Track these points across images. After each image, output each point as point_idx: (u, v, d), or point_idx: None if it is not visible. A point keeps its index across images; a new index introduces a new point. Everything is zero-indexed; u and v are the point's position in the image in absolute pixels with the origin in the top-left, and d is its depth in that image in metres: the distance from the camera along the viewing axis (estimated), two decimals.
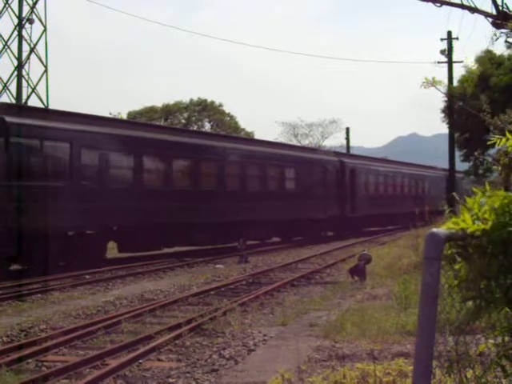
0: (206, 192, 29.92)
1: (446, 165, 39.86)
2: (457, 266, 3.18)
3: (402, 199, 51.82)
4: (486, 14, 15.57)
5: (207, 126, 69.41)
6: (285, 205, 35.27)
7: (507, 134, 3.81)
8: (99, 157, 24.40)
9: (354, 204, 42.92)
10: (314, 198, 38.36)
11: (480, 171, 30.68)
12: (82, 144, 23.64)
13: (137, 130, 27.78)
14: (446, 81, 35.08)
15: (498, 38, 15.43)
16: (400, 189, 53.07)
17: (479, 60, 29.14)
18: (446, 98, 30.04)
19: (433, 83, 11.94)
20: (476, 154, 26.52)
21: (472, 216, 3.08)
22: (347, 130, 72.79)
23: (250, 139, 49.05)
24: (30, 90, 41.72)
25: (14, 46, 41.67)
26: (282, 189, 36.43)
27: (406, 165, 60.32)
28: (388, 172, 51.40)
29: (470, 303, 3.20)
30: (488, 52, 28.58)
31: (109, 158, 24.91)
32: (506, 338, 3.32)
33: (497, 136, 4.13)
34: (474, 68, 25.84)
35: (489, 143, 4.49)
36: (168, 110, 68.98)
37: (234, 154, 32.46)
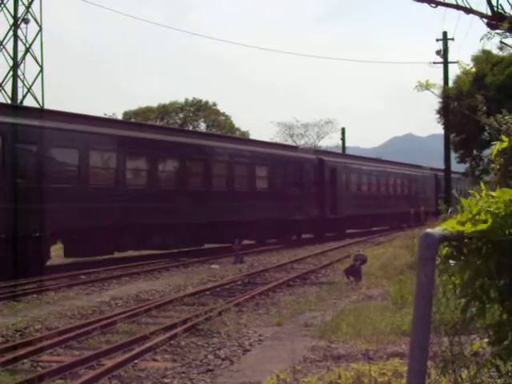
0: (163, 191, 27.72)
1: (441, 165, 39.73)
2: (451, 267, 3.19)
3: (387, 200, 49.99)
4: (482, 15, 15.62)
5: (203, 126, 69.41)
6: (256, 205, 33.02)
7: (502, 136, 3.82)
8: (37, 152, 22.13)
9: (335, 205, 40.79)
10: (289, 198, 36.24)
11: (476, 172, 30.69)
12: (18, 140, 21.47)
13: (81, 123, 24.36)
14: (441, 82, 35.17)
15: (490, 38, 15.47)
16: (385, 189, 51.04)
17: (475, 59, 29.15)
18: (440, 99, 30.06)
19: (426, 86, 11.97)
20: (473, 154, 26.56)
21: (468, 217, 3.09)
22: (343, 130, 72.90)
23: (214, 135, 45.84)
24: (25, 89, 41.76)
25: (10, 46, 41.72)
26: (253, 188, 33.96)
27: (392, 164, 58.42)
28: (372, 171, 49.13)
29: (463, 303, 3.21)
30: (485, 52, 28.61)
31: (49, 154, 22.72)
32: (500, 337, 3.33)
33: (496, 142, 4.14)
34: (469, 67, 25.86)
35: (493, 148, 4.50)
36: (164, 111, 68.97)
37: (193, 150, 29.94)
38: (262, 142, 38.91)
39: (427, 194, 56.95)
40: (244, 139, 40.80)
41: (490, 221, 3.06)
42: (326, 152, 51.37)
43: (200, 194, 29.81)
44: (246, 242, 32.04)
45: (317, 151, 45.17)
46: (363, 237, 40.85)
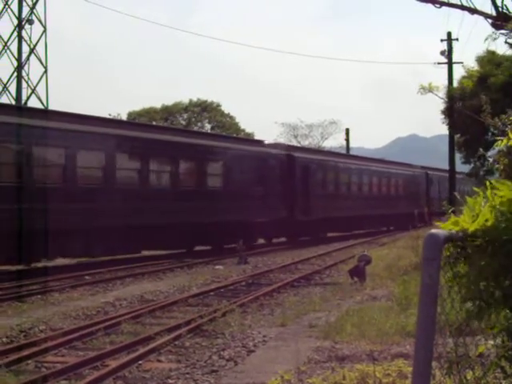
0: (84, 189, 23.60)
1: (446, 166, 39.53)
2: (456, 267, 3.18)
3: (371, 200, 45.93)
4: (486, 15, 15.59)
5: (207, 127, 69.42)
6: (206, 206, 28.95)
7: (509, 133, 3.80)
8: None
9: (307, 205, 36.91)
10: (249, 197, 32.07)
11: (481, 173, 30.66)
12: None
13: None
14: (445, 82, 35.14)
15: (495, 39, 15.44)
16: (368, 188, 46.85)
17: (479, 60, 29.13)
18: (445, 100, 30.07)
19: (429, 89, 11.94)
20: (478, 154, 26.48)
21: (472, 216, 3.08)
22: (347, 130, 72.77)
23: (156, 126, 40.98)
24: (29, 90, 41.86)
25: (14, 47, 41.80)
26: (202, 187, 29.81)
27: (378, 162, 54.47)
28: (353, 169, 44.79)
29: (469, 304, 3.20)
30: (489, 52, 28.59)
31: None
32: (506, 339, 3.32)
33: (498, 138, 4.13)
34: (473, 68, 25.85)
35: (496, 144, 4.48)
36: (168, 111, 69.01)
37: (127, 143, 25.82)
38: (215, 135, 35.41)
39: (417, 193, 53.89)
40: (192, 131, 35.59)
41: (491, 220, 3.05)
42: (299, 148, 48.15)
43: (132, 193, 25.44)
44: (200, 248, 29.97)
45: (288, 147, 40.88)
46: (367, 237, 40.75)
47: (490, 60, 28.49)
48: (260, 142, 38.25)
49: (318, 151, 47.19)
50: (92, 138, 23.81)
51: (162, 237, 26.42)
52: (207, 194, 29.78)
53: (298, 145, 61.57)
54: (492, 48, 27.93)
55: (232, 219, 30.43)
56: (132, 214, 24.80)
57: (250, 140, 45.25)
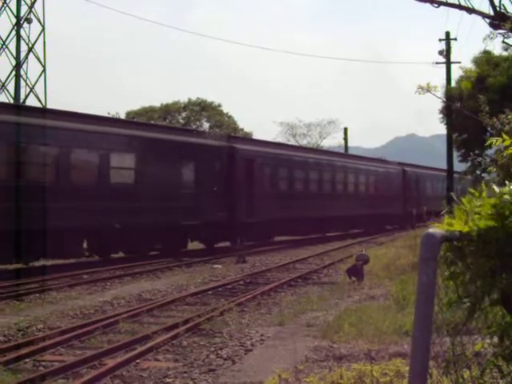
0: None
1: (444, 165, 39.48)
2: (453, 267, 3.19)
3: (333, 199, 40.69)
4: (484, 15, 15.62)
5: (206, 126, 69.43)
6: (115, 206, 24.37)
7: (503, 135, 3.81)
8: None
9: (252, 205, 32.21)
10: (172, 196, 27.53)
11: (478, 172, 30.73)
12: None
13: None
14: (443, 82, 35.20)
15: (492, 38, 15.47)
16: (331, 186, 41.42)
17: (476, 61, 29.20)
18: (442, 100, 30.13)
19: (428, 89, 11.95)
20: (473, 154, 26.55)
21: (467, 217, 3.09)
22: (345, 130, 72.79)
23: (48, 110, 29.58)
24: (28, 89, 41.80)
25: (12, 46, 41.78)
26: (104, 184, 24.55)
27: (344, 156, 49.49)
28: (311, 164, 39.42)
29: (466, 304, 3.21)
30: (486, 53, 28.66)
31: None
32: (504, 338, 3.32)
33: (494, 138, 4.14)
34: (471, 69, 25.87)
35: (486, 144, 4.50)
36: (166, 110, 68.99)
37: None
38: (125, 121, 27.57)
39: (391, 192, 48.68)
40: (98, 117, 26.89)
41: (483, 221, 3.06)
42: (243, 139, 42.57)
43: (13, 191, 21.01)
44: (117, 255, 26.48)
45: (230, 137, 35.43)
46: (365, 237, 40.74)
47: (487, 60, 28.56)
48: (188, 132, 33.90)
49: (268, 143, 41.02)
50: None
51: (59, 241, 21.73)
52: (111, 192, 24.50)
53: (264, 139, 52.96)
54: (490, 48, 28.01)
55: (148, 222, 25.87)
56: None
57: (178, 129, 38.07)
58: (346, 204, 41.58)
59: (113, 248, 25.84)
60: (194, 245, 30.67)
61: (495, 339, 3.34)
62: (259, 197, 32.85)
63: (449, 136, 35.36)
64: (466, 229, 3.04)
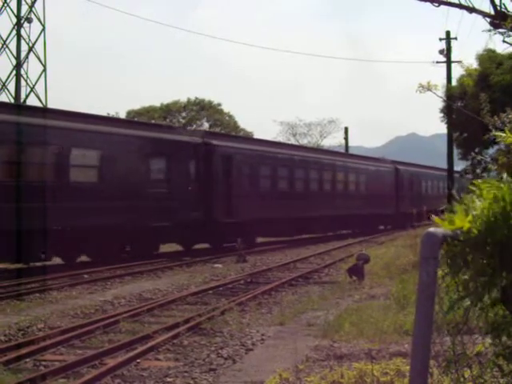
0: None
1: (445, 165, 39.42)
2: (454, 266, 3.18)
3: (318, 198, 38.79)
4: (485, 14, 15.61)
5: (206, 126, 69.44)
6: (70, 207, 22.30)
7: (506, 131, 3.80)
8: None
9: (231, 205, 30.71)
10: (140, 196, 25.64)
11: (478, 170, 30.73)
12: None
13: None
14: (444, 81, 35.21)
15: (490, 34, 15.46)
16: (318, 185, 39.70)
17: (479, 58, 29.16)
18: (443, 99, 30.13)
19: (428, 87, 11.92)
20: (473, 153, 26.52)
21: (467, 215, 3.08)
22: (346, 129, 72.80)
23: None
24: (28, 89, 41.83)
25: (13, 46, 41.80)
26: (65, 182, 22.66)
27: (332, 154, 47.17)
28: (296, 162, 37.46)
29: (466, 303, 3.20)
30: (489, 50, 28.64)
31: None
32: (504, 338, 3.32)
33: (498, 133, 4.13)
34: (473, 67, 25.88)
35: (496, 139, 4.49)
36: (167, 110, 69.02)
37: None
38: (88, 116, 25.37)
39: (383, 191, 47.04)
40: (55, 111, 24.44)
41: (482, 218, 3.05)
42: (221, 134, 40.72)
43: None
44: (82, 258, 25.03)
45: (206, 133, 33.78)
46: (366, 236, 40.72)
47: (490, 58, 28.51)
48: (158, 127, 31.32)
49: (249, 139, 39.02)
50: None
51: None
52: (71, 191, 22.68)
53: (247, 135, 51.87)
54: (491, 46, 27.96)
55: (112, 223, 24.12)
56: None
57: (147, 124, 34.74)
58: (334, 204, 40.15)
59: (75, 251, 24.05)
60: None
61: (496, 338, 3.34)
62: (239, 196, 31.37)
63: (449, 135, 35.37)
64: (466, 225, 3.03)
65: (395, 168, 50.80)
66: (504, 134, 3.88)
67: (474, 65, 27.70)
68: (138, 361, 10.26)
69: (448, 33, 37.03)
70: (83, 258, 24.87)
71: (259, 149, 34.81)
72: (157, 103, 70.52)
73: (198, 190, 29.04)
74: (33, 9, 42.34)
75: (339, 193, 41.97)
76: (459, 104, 29.19)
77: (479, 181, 3.15)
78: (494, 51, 28.46)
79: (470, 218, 3.03)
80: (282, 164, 35.99)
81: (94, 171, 24.30)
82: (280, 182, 35.86)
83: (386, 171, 49.09)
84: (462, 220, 3.04)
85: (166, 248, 29.38)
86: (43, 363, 10.22)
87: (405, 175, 51.79)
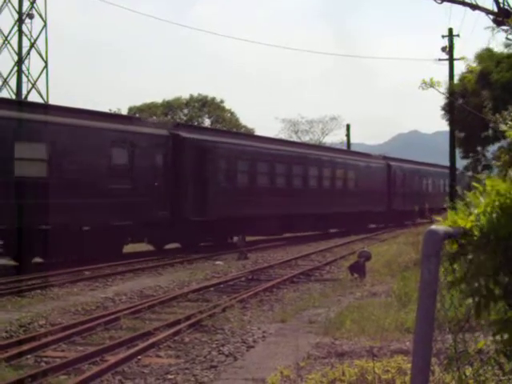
0: None
1: (446, 162, 39.26)
2: (456, 264, 3.17)
3: (303, 195, 36.69)
4: (488, 11, 15.58)
5: (207, 122, 69.42)
6: (16, 204, 20.38)
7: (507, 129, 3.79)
8: None
9: (203, 202, 28.81)
10: (99, 193, 23.50)
11: (479, 168, 30.72)
12: None
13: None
14: (446, 78, 35.17)
15: (497, 31, 15.44)
16: (300, 180, 37.43)
17: (479, 57, 29.15)
18: (446, 95, 30.12)
19: (431, 84, 11.92)
20: (474, 152, 26.53)
21: (470, 213, 3.07)
22: (347, 126, 72.75)
23: None
24: (30, 85, 41.85)
25: (14, 42, 41.83)
26: (9, 178, 20.62)
27: (315, 148, 45.45)
28: (278, 156, 35.07)
29: (469, 300, 3.19)
30: (488, 49, 28.63)
31: None
32: (506, 336, 3.31)
33: (504, 129, 4.12)
34: (474, 65, 25.85)
35: (496, 136, 4.49)
36: (168, 106, 68.99)
37: None
38: (39, 105, 23.36)
39: (374, 188, 45.03)
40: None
41: (486, 217, 3.04)
42: (192, 126, 38.17)
43: None
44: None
45: (177, 125, 31.61)
46: (368, 233, 40.64)
47: (489, 56, 28.52)
48: (127, 118, 28.41)
49: (225, 132, 36.73)
50: None
51: None
52: (15, 187, 20.70)
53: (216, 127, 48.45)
54: (493, 44, 27.99)
55: (64, 222, 22.00)
56: None
57: (107, 114, 29.65)
58: (320, 201, 38.03)
59: (29, 252, 21.44)
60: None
61: (497, 336, 3.33)
62: (213, 192, 29.44)
63: (451, 133, 35.34)
64: (469, 224, 3.02)
65: (387, 164, 48.94)
66: (505, 127, 3.88)
67: (473, 63, 27.70)
68: (139, 357, 10.26)
69: (451, 30, 36.91)
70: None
71: (237, 142, 32.85)
72: (159, 99, 70.55)
73: (166, 187, 27.13)
74: (34, 5, 42.37)
75: (325, 189, 40.01)
76: (461, 101, 29.20)
77: (483, 175, 3.15)
78: (491, 50, 28.46)
79: (472, 217, 3.03)
80: (263, 159, 33.98)
81: (42, 165, 22.07)
82: (260, 178, 33.83)
83: (377, 167, 47.15)
84: (464, 219, 3.04)
85: (143, 248, 28.30)
86: (44, 360, 10.22)
87: (397, 171, 49.91)
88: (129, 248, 27.17)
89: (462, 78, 30.08)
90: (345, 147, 66.88)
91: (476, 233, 3.02)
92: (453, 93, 30.71)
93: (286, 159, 35.88)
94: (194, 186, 28.45)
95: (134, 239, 27.03)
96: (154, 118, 46.29)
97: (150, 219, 25.92)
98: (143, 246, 28.71)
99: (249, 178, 32.89)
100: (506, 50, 25.94)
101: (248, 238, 28.25)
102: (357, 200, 42.16)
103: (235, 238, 27.37)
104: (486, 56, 28.58)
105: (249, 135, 41.07)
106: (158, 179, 26.72)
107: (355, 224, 42.26)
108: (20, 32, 41.74)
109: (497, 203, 3.00)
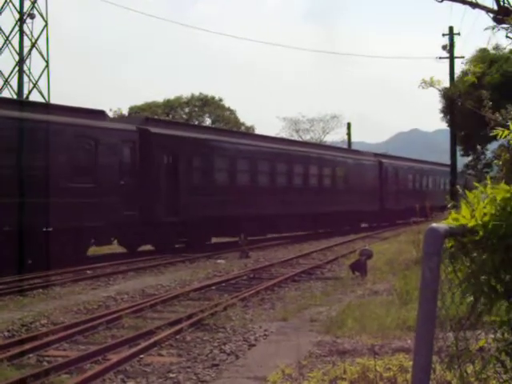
0: None
1: (447, 160, 39.20)
2: (457, 262, 3.18)
3: (288, 194, 35.17)
4: (488, 10, 15.55)
5: (208, 121, 69.42)
6: None
7: (511, 125, 3.81)
8: None
9: (175, 202, 27.29)
10: (56, 192, 21.70)
11: (479, 166, 30.77)
12: None
13: None
14: (447, 77, 35.17)
15: (496, 31, 15.41)
16: (285, 179, 35.83)
17: (475, 59, 29.21)
18: (444, 96, 30.17)
19: (431, 83, 11.92)
20: (473, 151, 26.59)
21: (472, 211, 3.08)
22: (348, 125, 72.74)
23: None
24: (31, 85, 41.85)
25: (16, 41, 41.86)
26: None
27: (301, 145, 43.78)
28: (259, 154, 33.44)
29: (470, 298, 3.21)
30: (481, 50, 28.68)
31: None
32: (506, 334, 3.32)
33: (499, 129, 4.14)
34: (473, 67, 25.87)
35: (494, 134, 4.50)
36: (169, 105, 68.98)
37: None
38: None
39: (365, 187, 43.64)
40: None
41: (488, 216, 3.05)
42: (165, 122, 35.70)
43: None
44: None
45: (146, 120, 29.19)
46: (369, 232, 40.63)
47: (482, 58, 28.58)
48: (90, 112, 25.19)
49: (200, 127, 34.78)
50: None
51: None
52: None
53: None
54: (493, 43, 28.02)
55: (17, 223, 20.86)
56: None
57: (64, 107, 24.72)
58: (306, 200, 36.50)
59: None
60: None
61: (499, 334, 3.34)
62: (186, 191, 27.83)
63: (452, 132, 35.36)
64: (471, 223, 3.04)
65: (379, 162, 47.08)
66: (500, 130, 3.89)
67: (467, 65, 27.78)
68: (141, 356, 10.27)
69: (451, 28, 36.91)
70: None
71: (214, 138, 31.19)
72: (160, 99, 70.53)
73: (134, 185, 25.46)
74: (35, 5, 42.37)
75: (312, 188, 38.27)
76: (459, 103, 29.24)
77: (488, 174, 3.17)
78: (487, 51, 28.50)
79: (477, 214, 3.04)
80: (243, 156, 32.13)
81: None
82: (240, 176, 32.00)
83: (368, 165, 45.26)
84: (465, 217, 3.05)
85: (117, 249, 27.72)
86: (46, 359, 10.23)
87: (390, 169, 48.27)
88: (105, 249, 26.88)
89: (460, 80, 30.14)
90: (345, 145, 66.89)
91: (480, 232, 3.04)
92: (451, 95, 30.74)
93: (269, 156, 34.23)
94: (166, 185, 27.02)
95: (98, 241, 25.46)
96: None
97: (116, 220, 24.53)
98: (117, 248, 27.82)
99: (228, 176, 31.26)
100: (501, 51, 26.03)
101: (247, 238, 28.17)
102: (346, 199, 40.73)
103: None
104: (479, 58, 28.66)
105: (227, 131, 39.28)
106: (124, 177, 25.13)
107: (345, 223, 41.12)
108: (21, 32, 41.74)
109: (499, 202, 3.02)
